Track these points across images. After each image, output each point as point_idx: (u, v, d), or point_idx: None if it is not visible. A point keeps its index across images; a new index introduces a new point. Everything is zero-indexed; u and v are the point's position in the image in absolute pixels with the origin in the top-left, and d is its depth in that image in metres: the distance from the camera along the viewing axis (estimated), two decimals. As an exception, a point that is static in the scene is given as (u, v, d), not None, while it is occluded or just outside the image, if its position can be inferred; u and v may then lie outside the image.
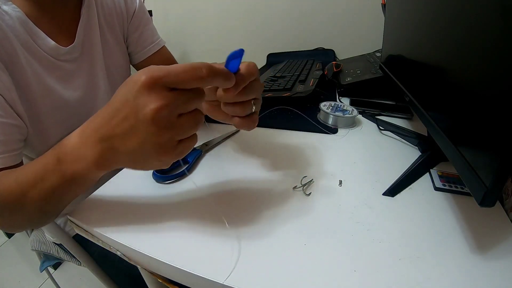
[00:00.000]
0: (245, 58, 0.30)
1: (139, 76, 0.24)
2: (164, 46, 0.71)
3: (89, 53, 0.55)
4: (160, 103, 0.24)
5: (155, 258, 0.31)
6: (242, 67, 0.30)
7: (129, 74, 0.67)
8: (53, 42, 0.48)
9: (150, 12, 1.25)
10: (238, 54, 0.28)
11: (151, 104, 0.24)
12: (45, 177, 0.31)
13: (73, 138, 0.30)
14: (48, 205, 0.33)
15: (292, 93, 0.67)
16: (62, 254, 0.65)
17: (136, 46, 0.66)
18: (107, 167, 0.29)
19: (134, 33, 0.65)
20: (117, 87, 0.27)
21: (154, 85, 0.24)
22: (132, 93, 0.25)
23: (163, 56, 0.70)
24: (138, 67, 0.70)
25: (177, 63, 0.69)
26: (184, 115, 0.26)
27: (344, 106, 0.61)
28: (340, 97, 0.75)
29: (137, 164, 0.29)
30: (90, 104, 0.56)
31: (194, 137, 0.29)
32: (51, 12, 0.48)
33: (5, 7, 0.43)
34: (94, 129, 0.28)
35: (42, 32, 0.47)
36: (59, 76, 0.50)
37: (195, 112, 0.27)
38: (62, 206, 0.35)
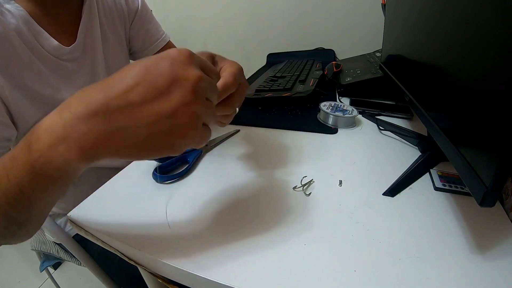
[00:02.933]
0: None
1: (177, 50, 0.24)
2: (169, 41, 0.72)
3: (90, 52, 0.55)
4: (201, 74, 0.24)
5: (155, 258, 0.31)
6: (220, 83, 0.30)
7: None
8: (56, 42, 0.48)
9: (150, 12, 1.25)
10: None
11: (193, 72, 0.23)
12: (10, 171, 0.23)
13: (50, 117, 0.22)
14: (14, 210, 0.25)
15: (292, 93, 0.67)
16: (62, 254, 0.65)
17: (143, 43, 0.68)
18: (96, 155, 0.22)
19: (139, 31, 0.66)
20: None
21: (193, 60, 0.24)
22: (166, 61, 0.23)
23: None
24: None
25: None
26: (208, 100, 0.26)
27: (344, 106, 0.61)
28: (340, 97, 0.75)
29: (144, 145, 0.23)
30: None
31: (208, 129, 0.27)
32: (53, 11, 0.48)
33: (8, 6, 0.43)
34: (84, 102, 0.22)
35: (45, 32, 0.47)
36: (62, 76, 0.50)
37: (212, 103, 0.27)
38: (34, 214, 0.27)
